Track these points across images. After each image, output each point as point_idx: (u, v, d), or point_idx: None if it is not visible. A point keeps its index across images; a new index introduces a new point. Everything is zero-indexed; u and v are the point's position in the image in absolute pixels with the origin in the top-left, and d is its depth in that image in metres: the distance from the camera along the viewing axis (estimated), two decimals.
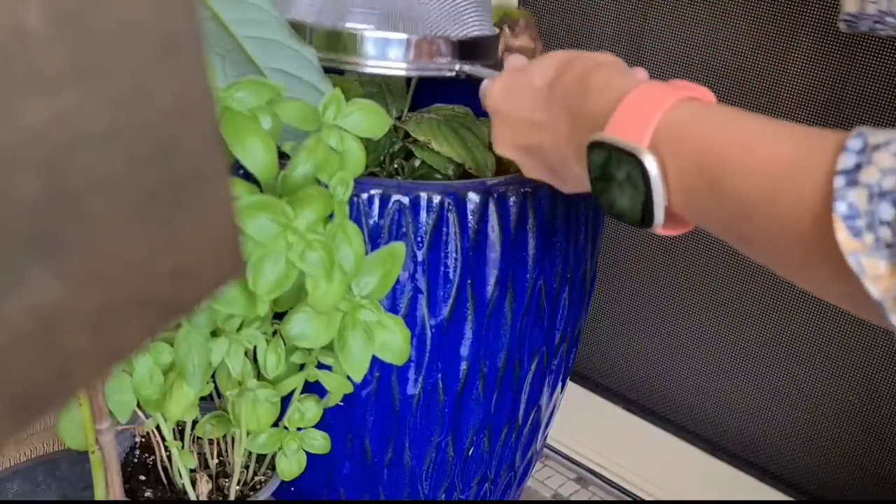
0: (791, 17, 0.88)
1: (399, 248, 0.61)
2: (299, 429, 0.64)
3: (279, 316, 0.60)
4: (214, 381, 0.62)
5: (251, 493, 0.67)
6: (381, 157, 0.79)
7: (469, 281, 0.67)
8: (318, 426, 0.65)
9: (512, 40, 0.79)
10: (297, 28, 0.70)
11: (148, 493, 0.67)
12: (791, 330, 0.97)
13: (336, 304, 0.57)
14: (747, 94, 0.94)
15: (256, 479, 0.68)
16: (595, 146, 0.49)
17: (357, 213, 0.64)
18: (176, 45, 0.24)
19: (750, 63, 0.93)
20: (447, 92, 0.90)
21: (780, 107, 0.92)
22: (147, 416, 0.62)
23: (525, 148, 0.59)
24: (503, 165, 0.79)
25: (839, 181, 0.39)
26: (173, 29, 0.23)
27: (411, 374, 0.70)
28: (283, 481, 0.66)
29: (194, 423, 0.66)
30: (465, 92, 0.90)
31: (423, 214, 0.65)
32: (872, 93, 0.86)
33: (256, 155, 0.55)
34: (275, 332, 0.61)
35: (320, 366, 0.63)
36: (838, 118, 0.88)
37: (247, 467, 0.68)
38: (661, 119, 0.47)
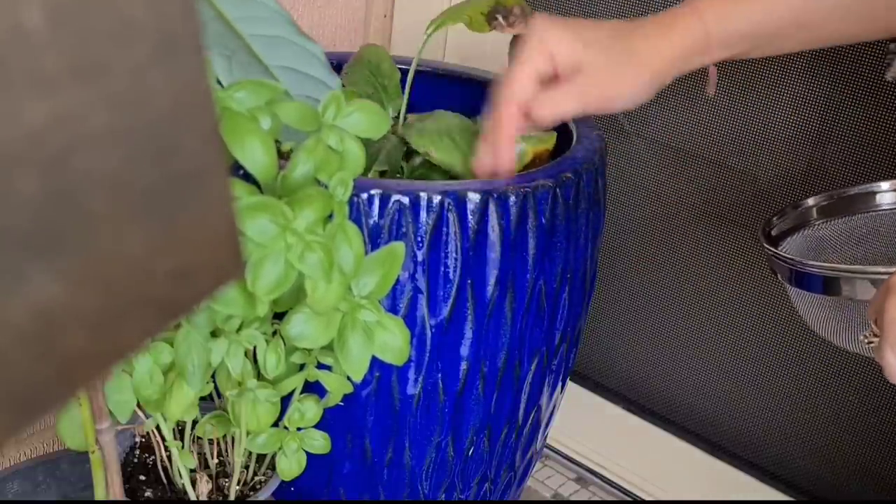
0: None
1: (399, 248, 0.61)
2: (299, 429, 0.64)
3: (279, 316, 0.60)
4: (214, 381, 0.62)
5: (251, 493, 0.67)
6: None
7: (469, 281, 0.67)
8: (318, 426, 0.65)
9: (507, 30, 0.78)
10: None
11: (148, 493, 0.67)
12: (791, 330, 0.97)
13: (335, 305, 0.57)
14: (737, 117, 0.94)
15: (256, 479, 0.68)
16: None
17: (357, 213, 0.64)
18: (176, 45, 0.24)
19: (742, 87, 0.93)
20: (445, 91, 0.90)
21: (771, 139, 0.92)
22: (147, 416, 0.62)
23: None
24: None
25: None
26: (173, 29, 0.23)
27: (411, 374, 0.70)
28: (283, 481, 0.66)
29: (194, 423, 0.66)
30: (462, 91, 0.90)
31: (423, 214, 0.65)
32: (865, 122, 0.86)
33: (256, 155, 0.55)
34: (274, 333, 0.61)
35: (320, 366, 0.63)
36: (829, 151, 0.88)
37: (247, 467, 0.68)
38: None
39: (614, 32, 0.67)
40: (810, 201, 0.74)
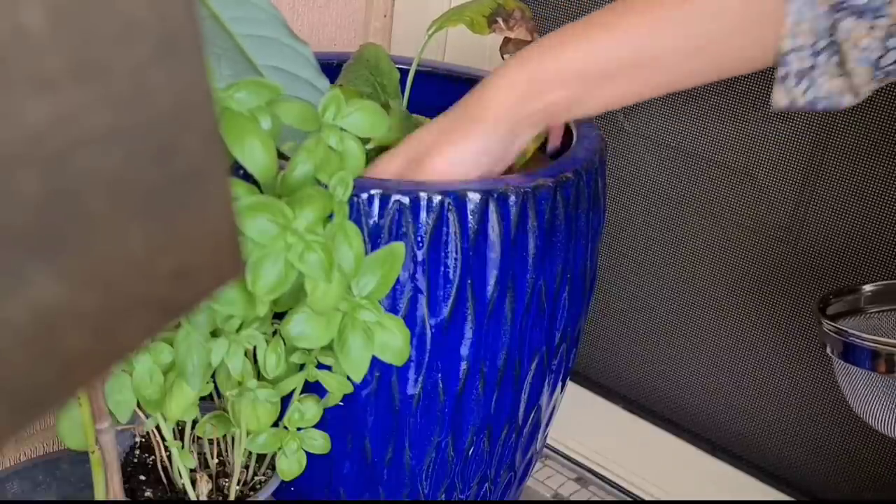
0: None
1: (399, 248, 0.61)
2: (299, 429, 0.64)
3: (279, 316, 0.60)
4: (214, 381, 0.62)
5: (251, 493, 0.67)
6: None
7: (469, 281, 0.67)
8: (318, 426, 0.65)
9: (507, 33, 0.78)
10: None
11: (148, 493, 0.67)
12: (793, 330, 0.97)
13: (335, 305, 0.57)
14: (737, 117, 0.94)
15: (256, 479, 0.68)
16: None
17: (357, 213, 0.64)
18: (176, 45, 0.24)
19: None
20: (445, 91, 0.90)
21: (771, 139, 0.92)
22: (147, 416, 0.62)
23: None
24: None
25: None
26: (173, 29, 0.23)
27: (411, 374, 0.70)
28: (283, 481, 0.66)
29: (194, 423, 0.66)
30: (462, 91, 0.90)
31: (423, 214, 0.65)
32: (865, 122, 0.86)
33: (256, 155, 0.55)
34: (275, 333, 0.61)
35: (320, 366, 0.63)
36: (829, 151, 0.88)
37: (247, 467, 0.68)
38: None
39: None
40: (867, 288, 0.73)
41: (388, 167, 0.68)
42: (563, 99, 0.66)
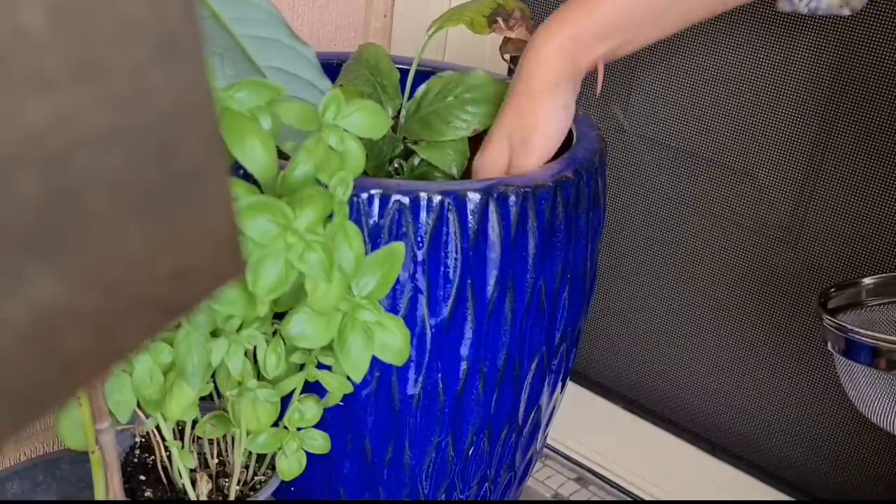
0: (786, 37, 0.88)
1: (399, 248, 0.61)
2: (299, 429, 0.64)
3: (279, 316, 0.60)
4: (214, 381, 0.62)
5: (251, 493, 0.67)
6: (382, 162, 0.79)
7: (469, 281, 0.67)
8: (318, 426, 0.65)
9: (507, 33, 0.78)
10: None
11: (148, 493, 0.67)
12: (793, 330, 0.97)
13: (336, 305, 0.57)
14: (737, 117, 0.94)
15: (256, 479, 0.68)
16: None
17: (357, 213, 0.64)
18: (176, 45, 0.24)
19: (748, 71, 0.93)
20: None
21: (771, 139, 0.92)
22: (147, 416, 0.62)
23: None
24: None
25: None
26: (173, 29, 0.23)
27: (411, 374, 0.70)
28: (283, 481, 0.66)
29: (194, 423, 0.66)
30: None
31: (423, 214, 0.65)
32: (865, 122, 0.86)
33: (256, 155, 0.55)
34: (275, 333, 0.61)
35: (320, 366, 0.63)
36: (829, 151, 0.88)
37: (247, 467, 0.68)
38: None
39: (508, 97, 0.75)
40: (867, 281, 0.73)
41: (499, 155, 0.73)
42: (608, 50, 0.72)
